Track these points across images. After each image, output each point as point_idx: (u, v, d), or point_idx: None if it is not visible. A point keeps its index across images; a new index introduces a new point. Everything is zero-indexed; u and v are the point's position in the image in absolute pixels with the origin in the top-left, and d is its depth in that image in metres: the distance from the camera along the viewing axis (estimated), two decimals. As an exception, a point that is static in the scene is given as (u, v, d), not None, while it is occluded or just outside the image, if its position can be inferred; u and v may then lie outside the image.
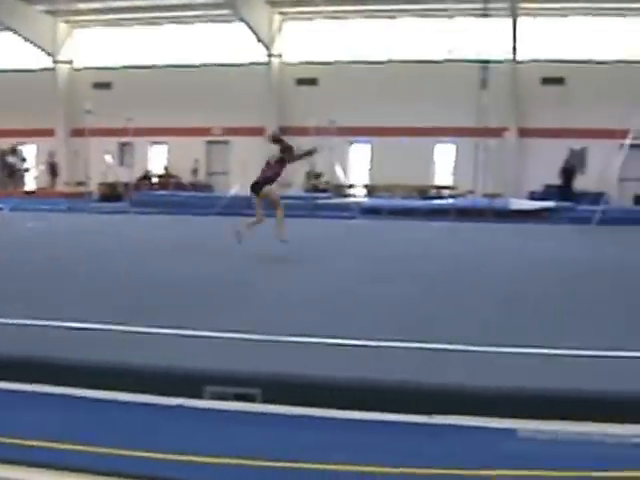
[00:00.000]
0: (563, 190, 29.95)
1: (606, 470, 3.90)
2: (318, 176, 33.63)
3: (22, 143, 39.63)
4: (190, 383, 5.59)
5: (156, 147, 40.02)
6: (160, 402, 5.41)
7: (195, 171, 38.66)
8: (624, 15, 35.37)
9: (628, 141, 25.90)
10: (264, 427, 5.02)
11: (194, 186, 37.23)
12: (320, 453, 4.38)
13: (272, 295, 9.61)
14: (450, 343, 6.59)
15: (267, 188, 14.24)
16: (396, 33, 37.35)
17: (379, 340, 6.68)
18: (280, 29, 38.82)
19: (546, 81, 35.06)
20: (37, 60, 40.40)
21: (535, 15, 35.96)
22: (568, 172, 30.23)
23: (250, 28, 36.73)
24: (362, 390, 5.45)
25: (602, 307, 8.95)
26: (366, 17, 37.60)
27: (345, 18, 37.85)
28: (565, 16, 35.87)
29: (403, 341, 6.67)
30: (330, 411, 5.20)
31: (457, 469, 4.02)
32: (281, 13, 38.70)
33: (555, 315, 8.25)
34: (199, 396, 5.49)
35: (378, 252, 15.43)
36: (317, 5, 36.26)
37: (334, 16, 37.44)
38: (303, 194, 31.05)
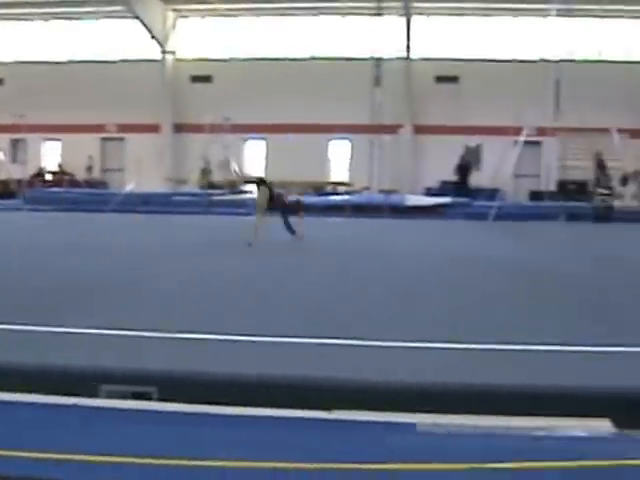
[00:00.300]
0: (459, 186, 30.48)
1: (503, 462, 3.97)
2: (209, 172, 33.38)
3: None
4: (86, 382, 5.42)
5: (50, 144, 39.14)
6: (55, 402, 5.19)
7: (89, 168, 38.01)
8: (515, 15, 36.19)
9: (522, 138, 26.45)
10: (161, 425, 4.87)
11: (88, 183, 36.57)
12: (219, 450, 4.24)
13: (165, 292, 9.44)
14: (350, 338, 6.57)
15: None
16: (289, 31, 37.44)
17: (278, 336, 6.63)
18: (174, 26, 38.47)
19: (440, 79, 35.57)
20: None
21: (428, 14, 36.46)
22: (464, 168, 30.77)
23: (144, 25, 36.30)
24: (260, 386, 5.39)
25: (501, 301, 9.07)
26: (260, 15, 37.58)
27: (239, 15, 37.72)
28: (458, 15, 36.46)
29: (302, 337, 6.63)
30: (229, 408, 5.09)
31: (356, 463, 4.01)
32: (175, 10, 38.36)
33: (452, 310, 8.30)
34: (95, 395, 5.33)
35: (270, 248, 15.50)
36: (211, 2, 36.13)
37: (228, 14, 37.27)
38: (198, 191, 30.89)
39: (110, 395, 5.36)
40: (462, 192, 29.66)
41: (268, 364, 5.78)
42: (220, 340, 6.52)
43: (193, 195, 29.25)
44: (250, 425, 4.88)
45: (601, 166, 27.09)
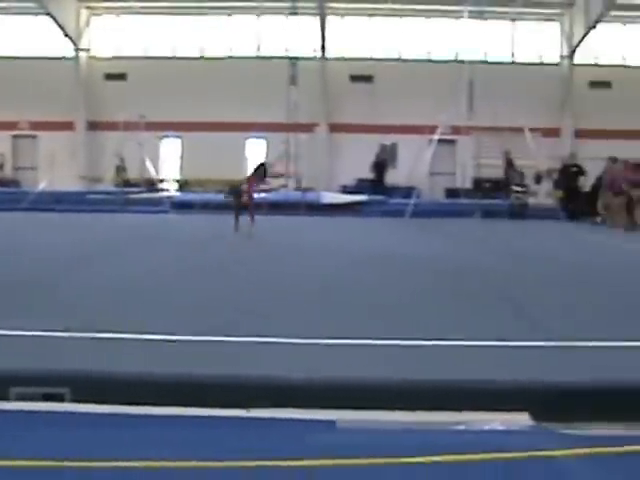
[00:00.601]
0: (375, 184, 30.72)
1: (421, 456, 4.00)
2: (124, 170, 32.96)
3: None
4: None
5: (-40, 141, 38.27)
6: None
7: (1, 166, 37.32)
8: (428, 17, 36.61)
9: (436, 137, 26.74)
10: (74, 427, 4.75)
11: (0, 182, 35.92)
12: (136, 451, 4.14)
13: (76, 290, 9.24)
14: (268, 336, 6.52)
15: None
16: (206, 30, 37.28)
17: (193, 334, 6.59)
18: (88, 24, 37.98)
19: (355, 78, 35.82)
20: None
21: (343, 14, 36.67)
22: (380, 166, 31.00)
23: (56, 22, 35.75)
24: (177, 385, 5.32)
25: (419, 298, 9.11)
26: (176, 13, 37.33)
27: (154, 14, 37.40)
28: (372, 16, 36.76)
29: (220, 335, 6.57)
30: (146, 408, 5.00)
31: (275, 460, 3.99)
32: (88, 8, 37.85)
33: (369, 307, 8.29)
34: (5, 398, 5.16)
35: (188, 245, 15.40)
36: (125, 0, 35.82)
37: (142, 12, 36.93)
38: (113, 189, 30.55)
39: (20, 397, 5.19)
40: (378, 190, 29.90)
41: (184, 363, 5.72)
42: (135, 339, 6.41)
43: (108, 193, 28.89)
44: (167, 425, 4.82)
45: (509, 164, 27.56)
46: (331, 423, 4.82)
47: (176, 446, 4.33)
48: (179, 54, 37.20)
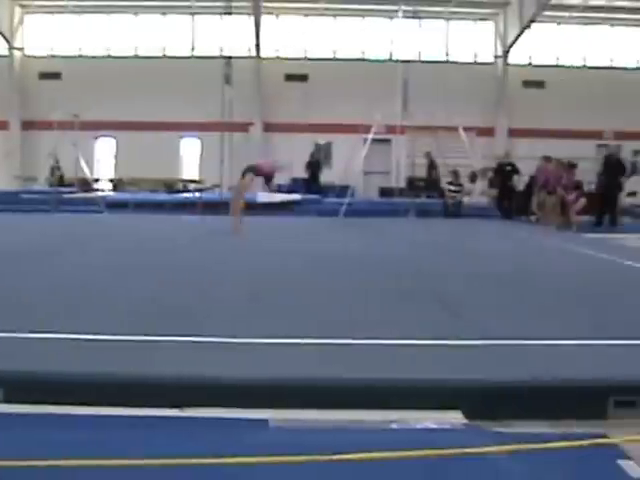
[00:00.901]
0: (310, 183, 30.80)
1: (354, 453, 4.00)
2: (58, 169, 32.51)
3: None
4: None
5: None
6: None
7: None
8: (363, 16, 36.76)
9: (371, 136, 26.84)
10: (7, 428, 4.67)
11: None
12: (67, 451, 4.07)
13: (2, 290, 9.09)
14: (206, 335, 6.52)
15: None
16: (141, 29, 37.03)
17: (127, 334, 6.52)
18: (22, 22, 37.51)
19: (290, 77, 35.87)
20: None
21: (278, 14, 36.67)
22: (314, 166, 31.06)
23: (-11, 21, 35.34)
24: (111, 385, 5.27)
25: (353, 297, 9.13)
26: (111, 12, 37.00)
27: (88, 13, 37.04)
28: (307, 15, 36.81)
29: (153, 334, 6.53)
30: (79, 408, 4.95)
31: (208, 458, 3.97)
32: (22, 6, 37.44)
33: (302, 306, 8.29)
34: None
35: (121, 245, 15.23)
36: (59, -1, 35.51)
37: (77, 11, 36.52)
38: (47, 189, 30.12)
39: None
40: (313, 189, 29.98)
41: (120, 363, 5.65)
42: (65, 339, 6.32)
43: (42, 193, 28.48)
44: (100, 425, 4.76)
45: (432, 165, 27.77)
46: (264, 422, 4.83)
47: (110, 446, 4.29)
48: (113, 53, 36.88)
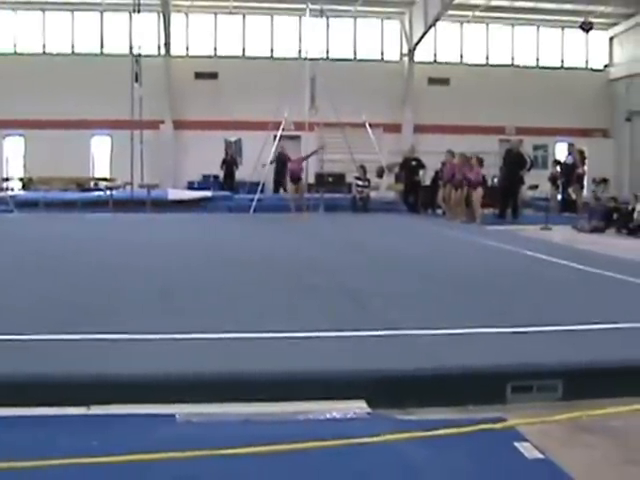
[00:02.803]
0: (224, 180, 30.79)
1: (260, 446, 4.02)
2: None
3: None
4: None
5: None
6: None
7: None
8: (271, 15, 36.75)
9: (280, 132, 26.87)
10: None
11: None
12: None
13: None
14: (106, 333, 6.46)
15: None
16: (49, 26, 36.33)
17: (31, 333, 6.45)
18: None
19: (199, 75, 35.68)
20: None
21: (187, 12, 36.43)
22: (228, 163, 31.02)
23: None
24: (16, 385, 5.20)
25: (259, 290, 9.21)
26: (18, 9, 36.22)
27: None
28: (216, 14, 36.65)
29: (57, 333, 6.48)
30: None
31: (116, 456, 3.94)
32: None
33: (209, 302, 8.33)
34: None
35: (29, 245, 15.00)
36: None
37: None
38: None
39: None
40: (226, 186, 29.92)
41: (23, 362, 5.61)
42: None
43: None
44: (7, 425, 4.71)
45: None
46: (171, 417, 4.84)
47: (16, 446, 4.25)
48: (21, 50, 36.12)
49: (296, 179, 23.46)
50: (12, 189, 30.84)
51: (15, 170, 35.00)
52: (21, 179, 34.01)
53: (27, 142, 35.28)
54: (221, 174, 31.60)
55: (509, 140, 33.06)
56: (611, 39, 38.68)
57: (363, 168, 26.78)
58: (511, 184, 23.51)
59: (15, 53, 35.84)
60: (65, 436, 4.52)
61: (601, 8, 35.91)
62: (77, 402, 5.04)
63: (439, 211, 25.04)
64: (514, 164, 23.79)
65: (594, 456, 4.53)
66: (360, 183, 26.63)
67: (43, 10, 36.05)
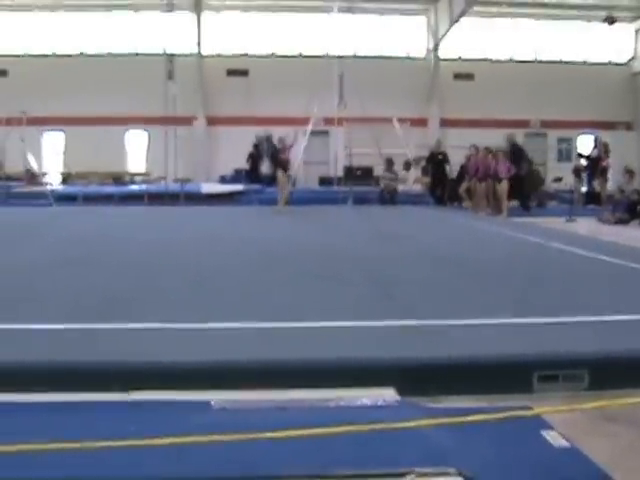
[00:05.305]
0: (250, 173, 30.82)
1: (289, 430, 4.02)
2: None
3: None
4: None
5: None
6: None
7: None
8: (299, 12, 36.71)
9: (309, 128, 26.89)
10: None
11: None
12: (14, 437, 3.91)
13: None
14: (146, 322, 6.52)
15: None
16: (85, 27, 36.52)
17: (71, 321, 6.51)
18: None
19: (231, 72, 35.80)
20: None
21: (219, 10, 36.51)
22: (255, 157, 31.06)
23: None
24: (58, 371, 5.23)
25: (294, 282, 9.23)
26: (55, 10, 36.46)
27: (33, 10, 36.45)
28: (247, 11, 36.69)
29: (97, 322, 6.52)
30: (26, 395, 4.91)
31: (155, 439, 3.96)
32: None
33: (244, 293, 8.26)
34: None
35: (73, 236, 15.08)
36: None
37: (21, 9, 35.99)
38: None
39: None
40: (255, 179, 29.98)
41: (61, 350, 5.65)
42: (18, 330, 6.30)
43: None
44: (49, 411, 4.71)
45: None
46: (206, 403, 4.84)
47: (59, 430, 4.25)
48: (59, 52, 36.35)
49: (286, 169, 23.18)
50: (51, 183, 31.05)
51: (54, 165, 35.29)
52: (61, 173, 34.29)
53: (67, 138, 35.54)
54: (248, 168, 31.72)
55: (537, 134, 33.03)
56: (636, 32, 38.31)
57: (390, 161, 26.74)
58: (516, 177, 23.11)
59: (54, 54, 36.13)
60: (105, 420, 4.54)
61: (625, 1, 35.64)
62: (117, 388, 5.06)
63: (465, 204, 24.95)
64: (516, 157, 23.42)
65: (620, 445, 4.49)
66: (387, 176, 26.58)
67: (79, 11, 36.20)
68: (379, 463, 3.90)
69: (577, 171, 26.58)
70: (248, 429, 4.03)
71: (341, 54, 30.53)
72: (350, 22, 35.03)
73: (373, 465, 3.88)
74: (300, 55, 36.47)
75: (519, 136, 32.91)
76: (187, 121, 33.32)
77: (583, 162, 26.72)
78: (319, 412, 4.73)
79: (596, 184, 26.01)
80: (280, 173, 22.92)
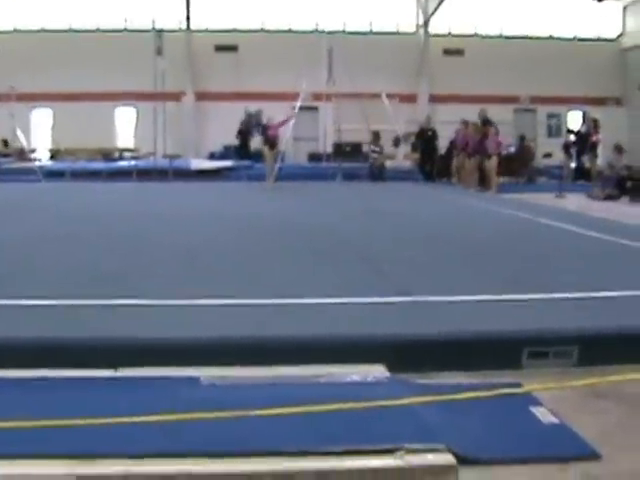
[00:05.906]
0: (239, 149, 30.67)
1: (283, 407, 4.02)
2: (6, 144, 31.81)
3: None
4: None
5: None
6: None
7: None
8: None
9: (299, 103, 26.76)
10: None
11: None
12: (3, 413, 3.99)
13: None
14: (134, 298, 6.49)
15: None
16: (76, 2, 36.21)
17: (60, 298, 6.48)
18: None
19: (220, 48, 35.58)
20: None
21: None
22: (244, 133, 30.90)
23: None
24: (46, 348, 5.22)
25: (284, 259, 9.22)
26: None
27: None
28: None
29: (85, 298, 6.51)
30: (13, 371, 4.92)
31: (144, 416, 3.96)
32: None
33: (234, 269, 8.30)
34: None
35: (62, 212, 15.01)
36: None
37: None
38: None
39: None
40: (244, 155, 29.83)
41: (50, 326, 5.64)
42: (6, 305, 6.29)
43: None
44: (36, 387, 4.71)
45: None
46: (196, 380, 4.85)
47: (48, 407, 4.25)
48: (47, 27, 36.05)
49: (273, 145, 23.24)
50: (40, 159, 30.91)
51: (43, 141, 35.11)
52: (49, 150, 34.11)
53: (55, 114, 35.33)
54: (237, 144, 31.57)
55: (526, 110, 33.00)
56: (624, 8, 38.22)
57: (376, 134, 26.65)
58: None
59: (43, 30, 35.85)
60: (94, 397, 4.54)
61: (614, -22, 35.55)
62: (106, 365, 5.05)
63: (454, 179, 24.91)
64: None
65: (608, 422, 4.50)
66: (373, 149, 26.50)
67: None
68: (369, 439, 3.90)
69: (567, 147, 26.58)
70: (237, 405, 4.04)
71: (330, 29, 30.34)
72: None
73: (363, 441, 3.88)
74: (289, 30, 36.23)
75: (508, 112, 33.04)
76: (176, 97, 33.12)
77: (572, 138, 26.72)
78: (309, 389, 4.73)
79: (585, 160, 26.01)
80: (266, 149, 22.83)
